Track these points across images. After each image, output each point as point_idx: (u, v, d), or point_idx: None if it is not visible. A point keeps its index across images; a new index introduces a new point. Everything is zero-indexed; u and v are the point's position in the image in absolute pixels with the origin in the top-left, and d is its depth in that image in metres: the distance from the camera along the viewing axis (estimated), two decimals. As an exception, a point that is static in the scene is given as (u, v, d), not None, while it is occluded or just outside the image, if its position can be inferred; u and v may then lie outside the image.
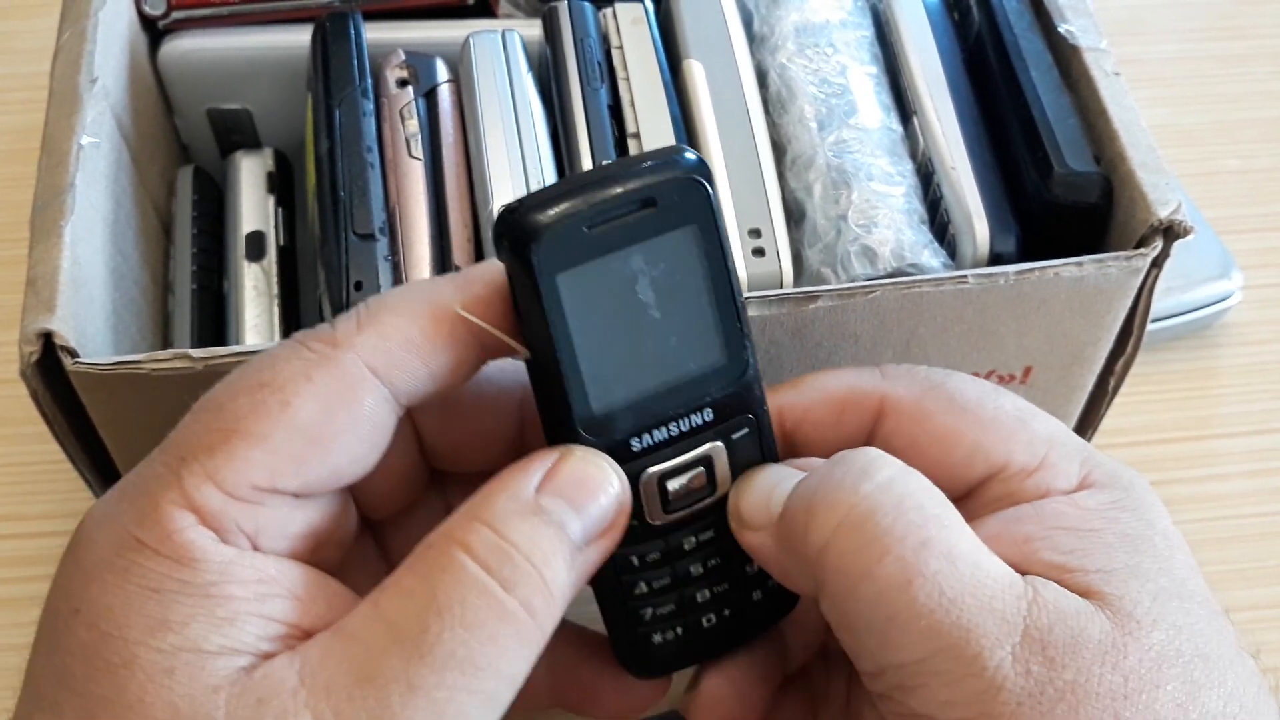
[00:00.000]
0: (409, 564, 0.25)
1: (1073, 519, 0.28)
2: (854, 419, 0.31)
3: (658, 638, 0.31)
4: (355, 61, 0.43)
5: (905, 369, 0.32)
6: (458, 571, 0.25)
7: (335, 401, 0.26)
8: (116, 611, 0.24)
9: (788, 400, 0.32)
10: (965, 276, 0.38)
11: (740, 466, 0.30)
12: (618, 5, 0.45)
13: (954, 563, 0.26)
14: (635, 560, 0.30)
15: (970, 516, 0.28)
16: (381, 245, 0.40)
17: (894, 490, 0.27)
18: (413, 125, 0.43)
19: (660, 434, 0.28)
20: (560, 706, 0.34)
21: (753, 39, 0.46)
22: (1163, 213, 0.38)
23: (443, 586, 0.24)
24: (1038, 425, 0.30)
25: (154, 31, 0.47)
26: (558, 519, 0.26)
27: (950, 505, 0.27)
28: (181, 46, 0.47)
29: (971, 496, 0.30)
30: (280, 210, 0.47)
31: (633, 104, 0.43)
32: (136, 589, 0.24)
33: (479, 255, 0.41)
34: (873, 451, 0.28)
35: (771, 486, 0.29)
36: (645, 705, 0.34)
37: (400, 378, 0.27)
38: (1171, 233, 0.38)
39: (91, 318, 0.37)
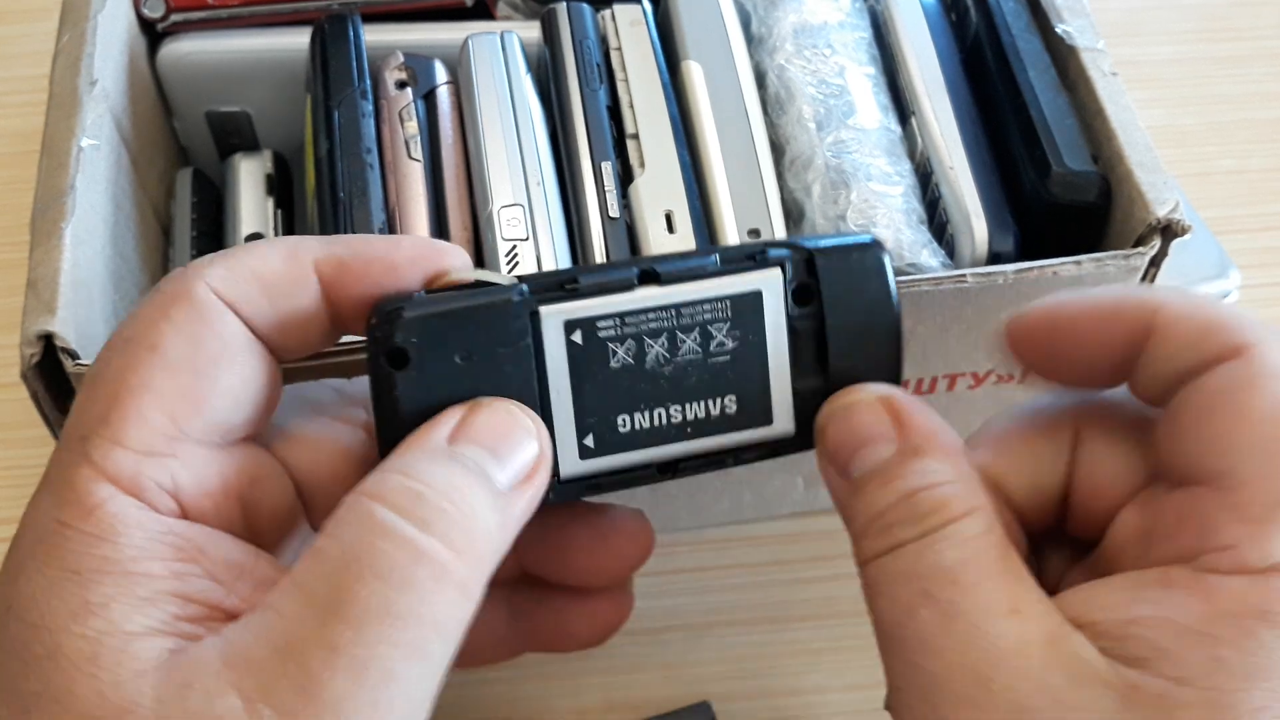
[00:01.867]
0: (324, 527, 0.25)
1: (1199, 615, 0.24)
2: (1212, 345, 0.26)
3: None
4: (354, 63, 0.43)
5: (1184, 292, 0.27)
6: (367, 520, 0.24)
7: (197, 331, 0.26)
8: (39, 600, 0.23)
9: (1164, 299, 0.27)
10: (964, 275, 0.38)
11: None
12: (616, 7, 0.45)
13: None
14: None
15: (1147, 531, 0.26)
16: (381, 246, 0.40)
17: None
18: (412, 127, 0.43)
19: None
20: (532, 650, 0.34)
21: (751, 40, 0.46)
22: (1160, 212, 0.38)
23: (354, 539, 0.24)
24: None
25: (153, 34, 0.48)
26: (474, 464, 0.26)
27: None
28: (180, 49, 0.47)
29: (1178, 497, 0.26)
30: (279, 212, 0.48)
31: (631, 105, 0.43)
32: (58, 573, 0.23)
33: (478, 256, 0.41)
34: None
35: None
36: (615, 623, 0.33)
37: (249, 311, 0.26)
38: (1169, 232, 0.38)
39: (92, 319, 0.37)
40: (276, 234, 0.47)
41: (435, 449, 0.26)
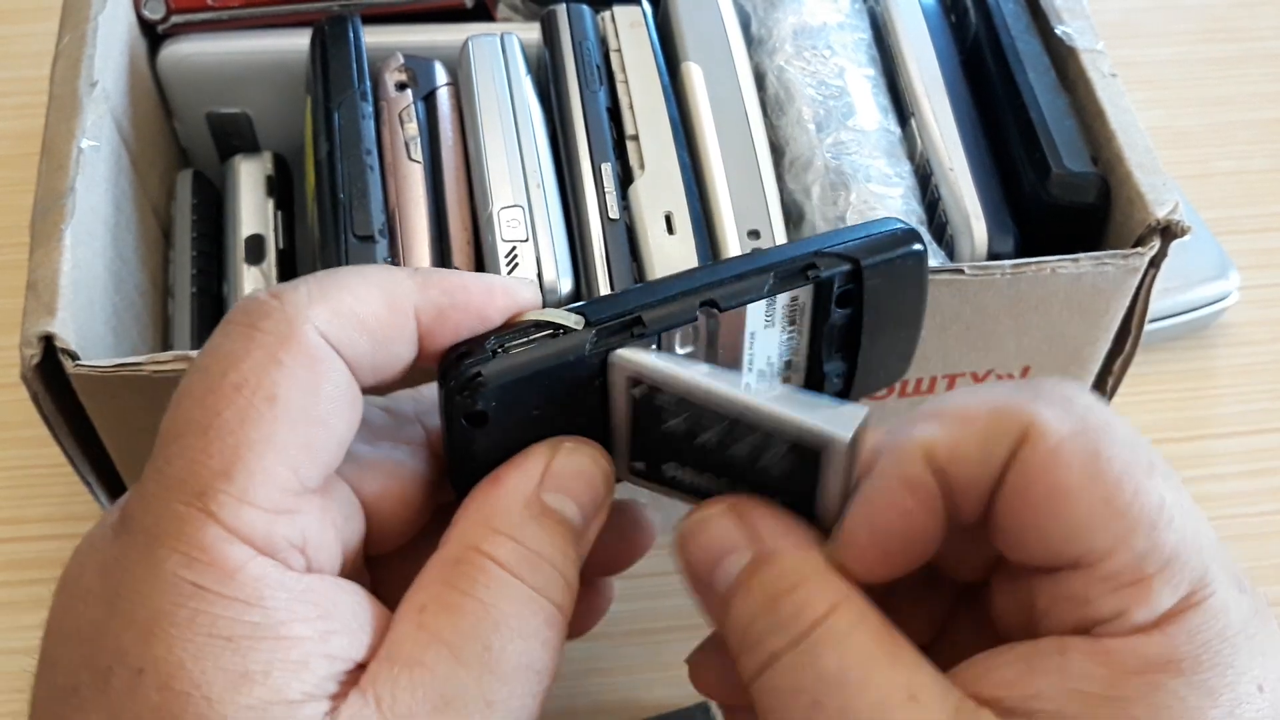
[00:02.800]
0: (443, 578, 0.26)
1: (1102, 680, 0.23)
2: (999, 445, 0.25)
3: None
4: (354, 65, 0.44)
5: (1063, 391, 0.26)
6: (500, 586, 0.26)
7: (312, 380, 0.25)
8: (190, 668, 0.23)
9: (931, 435, 0.26)
10: (961, 268, 0.38)
11: None
12: (616, 8, 0.45)
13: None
14: None
15: (1028, 606, 0.26)
16: (381, 247, 0.40)
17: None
18: (412, 128, 0.43)
19: None
20: None
21: (751, 41, 0.46)
22: (1160, 213, 0.38)
23: (492, 601, 0.25)
24: (1171, 532, 0.24)
25: (153, 36, 0.48)
26: (562, 513, 0.27)
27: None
28: (181, 50, 0.47)
29: (1047, 579, 0.25)
30: (279, 213, 0.48)
31: (631, 106, 0.43)
32: (207, 640, 0.23)
33: (478, 257, 0.41)
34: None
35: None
36: (603, 610, 0.34)
37: (352, 356, 0.26)
38: (1169, 232, 0.38)
39: (92, 321, 0.37)
40: (277, 235, 0.47)
41: (529, 500, 0.27)
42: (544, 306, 0.29)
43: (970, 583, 0.29)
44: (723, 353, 0.30)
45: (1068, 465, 0.24)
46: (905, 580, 0.27)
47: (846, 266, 0.30)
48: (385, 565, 0.30)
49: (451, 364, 0.27)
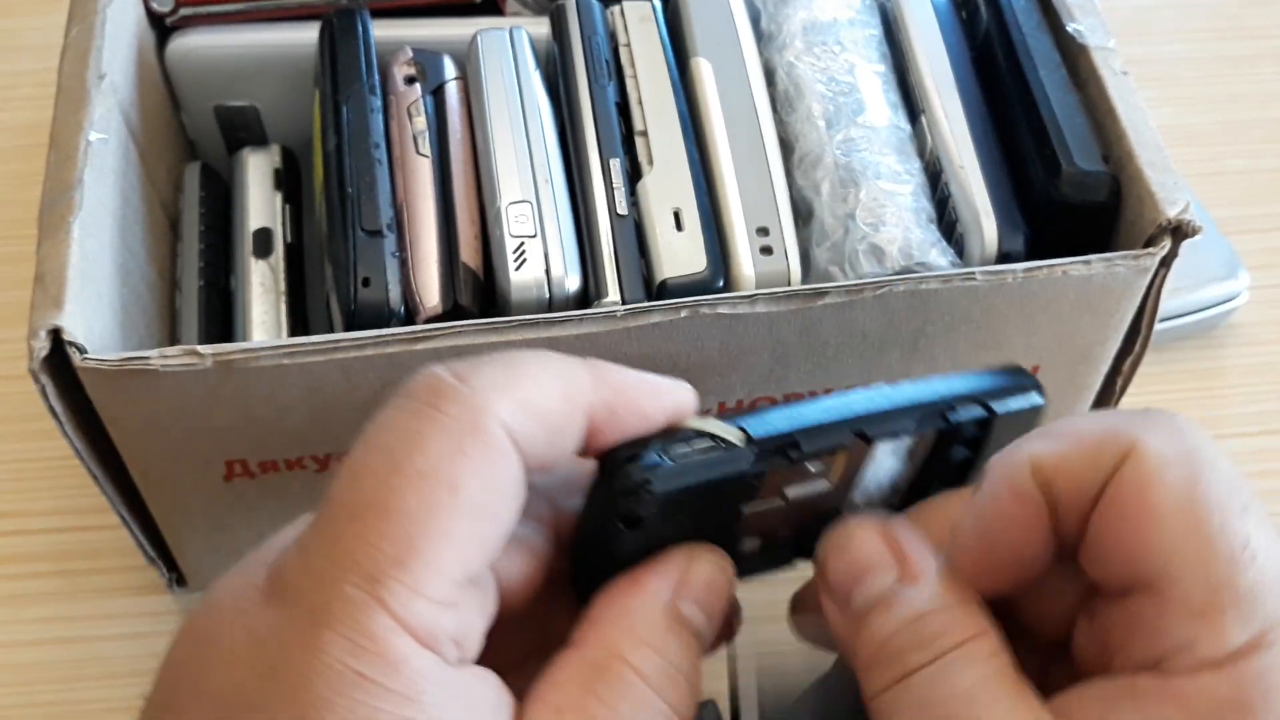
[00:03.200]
0: (583, 683, 0.26)
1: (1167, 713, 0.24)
2: (1103, 461, 0.26)
3: None
4: (363, 58, 0.43)
5: (1175, 422, 0.27)
6: (640, 701, 0.26)
7: (493, 474, 0.25)
8: None
9: (1040, 449, 0.27)
10: (973, 274, 0.38)
11: None
12: (625, 3, 0.45)
13: None
14: None
15: (1105, 640, 0.27)
16: (389, 241, 0.40)
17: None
18: (420, 122, 0.43)
19: None
20: None
21: (760, 37, 0.46)
22: (1171, 212, 0.38)
23: (630, 716, 0.26)
24: (1252, 570, 0.25)
25: (162, 28, 0.48)
26: (695, 626, 0.28)
27: None
28: (189, 43, 0.47)
29: (1124, 608, 0.26)
30: (287, 207, 0.47)
31: (640, 102, 0.43)
32: None
33: (486, 252, 0.41)
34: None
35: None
36: None
37: (529, 450, 0.26)
38: (1180, 232, 0.38)
39: (99, 314, 0.37)
40: (285, 229, 0.47)
41: (667, 609, 0.28)
42: (698, 415, 0.30)
43: (1056, 640, 0.29)
44: (844, 473, 0.31)
45: (1163, 485, 0.25)
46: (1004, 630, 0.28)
47: (982, 414, 0.31)
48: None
49: (619, 465, 0.27)
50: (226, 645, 0.24)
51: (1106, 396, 0.45)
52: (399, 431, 0.25)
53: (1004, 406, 0.31)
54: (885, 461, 0.31)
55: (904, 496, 0.33)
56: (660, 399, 0.28)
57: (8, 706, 0.45)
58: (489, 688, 0.26)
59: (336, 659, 0.23)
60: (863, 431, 0.30)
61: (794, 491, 0.31)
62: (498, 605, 0.27)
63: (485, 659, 0.26)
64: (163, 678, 0.25)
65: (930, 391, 0.31)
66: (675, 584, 0.28)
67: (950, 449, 0.32)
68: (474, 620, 0.26)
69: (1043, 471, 0.27)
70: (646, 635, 0.27)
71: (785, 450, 0.29)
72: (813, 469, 0.30)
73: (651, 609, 0.28)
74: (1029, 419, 0.32)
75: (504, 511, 0.25)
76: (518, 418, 0.25)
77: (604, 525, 0.28)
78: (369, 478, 0.24)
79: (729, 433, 0.28)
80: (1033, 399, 0.32)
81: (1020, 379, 0.32)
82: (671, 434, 0.28)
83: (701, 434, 0.28)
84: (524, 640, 0.29)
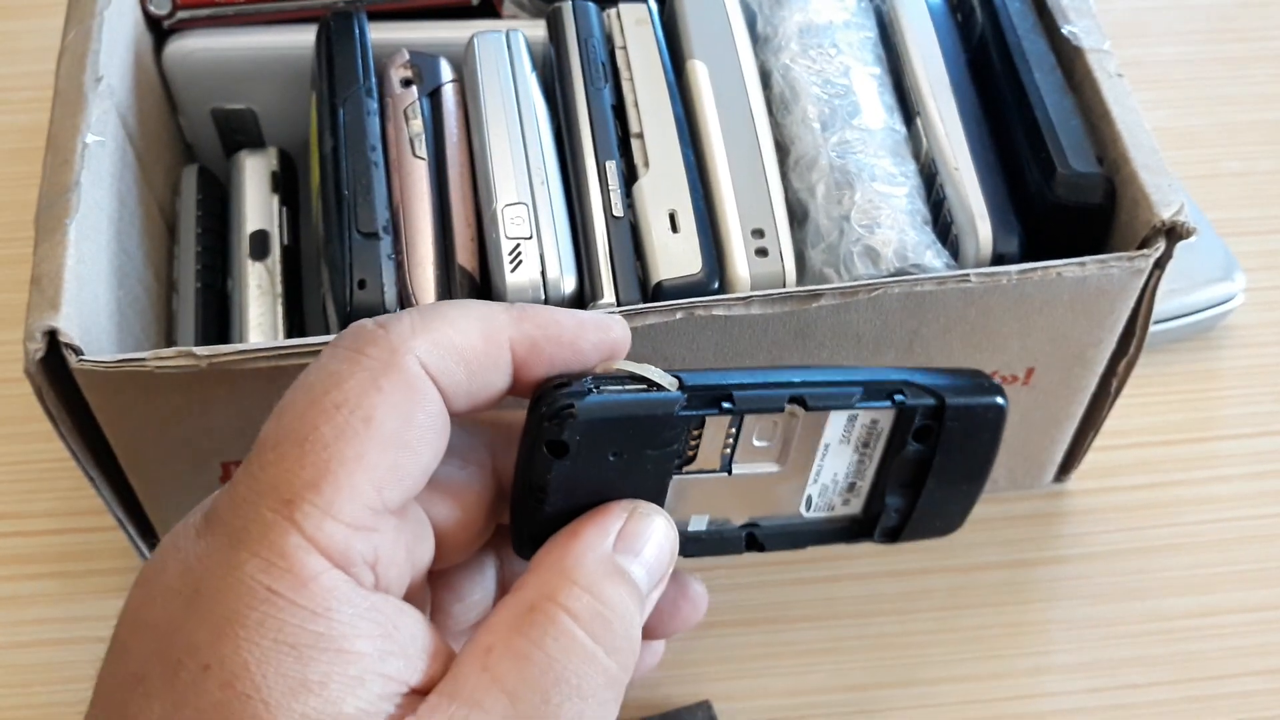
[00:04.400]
0: (514, 624, 0.26)
1: None
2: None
3: None
4: (360, 61, 0.43)
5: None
6: (569, 640, 0.26)
7: (408, 406, 0.26)
8: (253, 671, 0.23)
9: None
10: (968, 275, 0.38)
11: None
12: (622, 6, 0.45)
13: None
14: None
15: None
16: (385, 244, 0.40)
17: None
18: (417, 125, 0.43)
19: None
20: None
21: (756, 40, 0.46)
22: (1165, 214, 0.38)
23: (558, 655, 0.26)
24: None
25: (159, 31, 0.48)
26: (634, 577, 0.28)
27: None
28: (186, 46, 0.47)
29: None
30: (284, 209, 0.48)
31: (636, 104, 0.43)
32: (273, 645, 0.24)
33: (482, 254, 0.41)
34: None
35: None
36: (644, 669, 0.35)
37: (448, 386, 0.27)
38: (1174, 234, 0.38)
39: (96, 316, 0.37)
40: (282, 231, 0.47)
41: (605, 559, 0.28)
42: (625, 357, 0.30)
43: None
44: (794, 457, 0.31)
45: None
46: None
47: (931, 401, 0.31)
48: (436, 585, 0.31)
49: (546, 392, 0.28)
50: (163, 580, 0.25)
51: (1101, 399, 0.45)
52: (321, 373, 0.26)
53: (957, 399, 0.31)
54: (838, 454, 0.31)
55: (866, 503, 0.33)
56: (589, 333, 0.29)
57: (5, 707, 0.45)
58: (408, 619, 0.26)
59: (250, 576, 0.24)
60: (801, 397, 0.30)
61: (741, 467, 0.30)
62: (434, 548, 0.29)
63: (439, 608, 0.28)
64: (118, 622, 0.26)
65: (880, 375, 0.31)
66: (613, 534, 0.28)
67: (905, 444, 0.32)
68: (395, 552, 0.26)
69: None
70: (580, 579, 0.27)
71: (718, 400, 0.29)
72: (758, 443, 0.30)
73: (588, 555, 0.28)
74: (989, 420, 0.32)
75: (421, 444, 0.26)
76: (434, 355, 0.27)
77: (534, 456, 0.28)
78: (290, 413, 0.26)
79: (663, 378, 0.29)
80: (992, 399, 0.32)
81: (980, 379, 0.32)
82: (606, 373, 0.29)
83: (636, 377, 0.29)
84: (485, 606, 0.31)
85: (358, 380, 0.26)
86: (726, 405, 0.29)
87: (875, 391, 0.31)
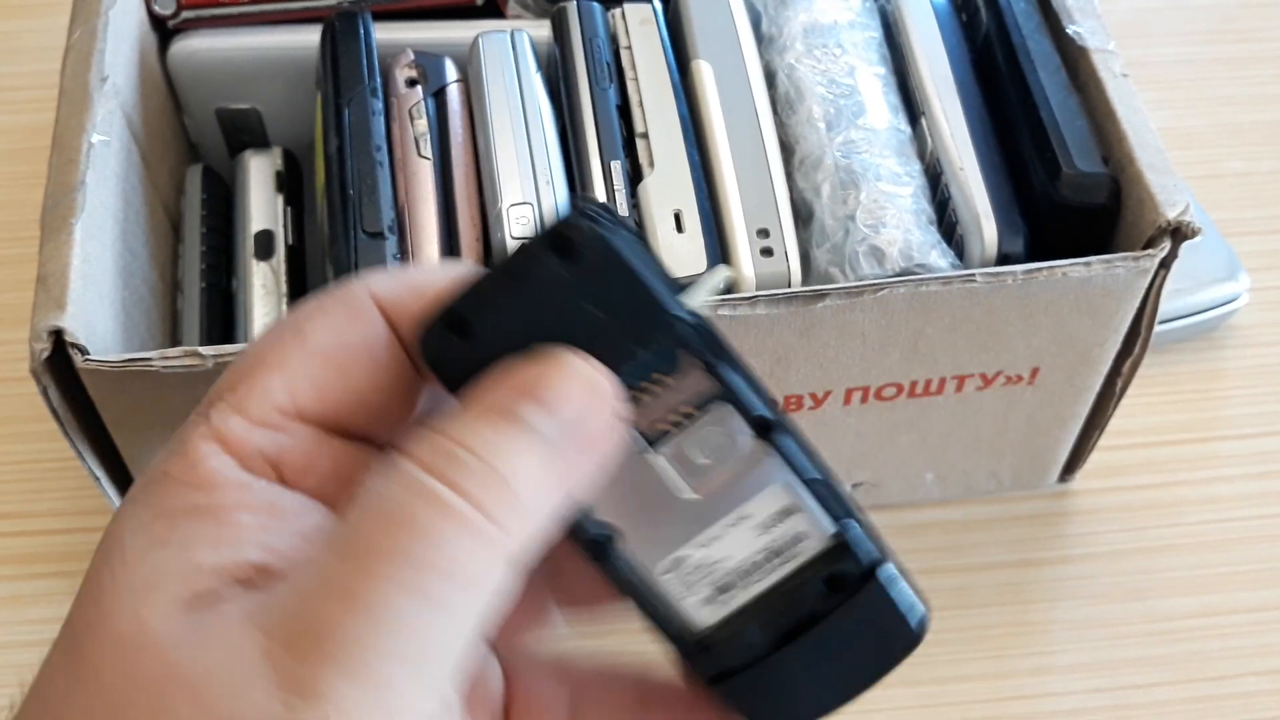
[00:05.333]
0: (362, 486, 0.24)
1: None
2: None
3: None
4: (364, 61, 0.44)
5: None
6: (398, 476, 0.23)
7: (345, 326, 0.26)
8: (124, 536, 0.24)
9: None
10: (973, 275, 0.38)
11: None
12: (626, 6, 0.45)
13: None
14: None
15: None
16: (390, 244, 0.40)
17: None
18: (421, 125, 0.43)
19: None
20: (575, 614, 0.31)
21: (761, 39, 0.46)
22: (1171, 214, 0.38)
23: (384, 493, 0.23)
24: None
25: (164, 31, 0.48)
26: (521, 416, 0.23)
27: None
28: (191, 46, 0.47)
29: None
30: (289, 209, 0.48)
31: (641, 104, 0.43)
32: (148, 513, 0.24)
33: (487, 254, 0.41)
34: None
35: None
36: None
37: (402, 319, 0.26)
38: (1179, 234, 0.38)
39: (101, 315, 0.37)
40: (286, 231, 0.47)
41: (480, 404, 0.24)
42: None
43: None
44: (708, 502, 0.26)
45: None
46: None
47: (871, 556, 0.26)
48: None
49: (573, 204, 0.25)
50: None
51: (1106, 398, 0.45)
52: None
53: (892, 578, 0.26)
54: (745, 538, 0.26)
55: (721, 622, 0.27)
56: None
57: (9, 708, 0.45)
58: (308, 509, 0.25)
59: (155, 465, 0.25)
60: (775, 423, 0.26)
61: (659, 460, 0.26)
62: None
63: None
64: None
65: (843, 491, 0.26)
66: (514, 378, 0.24)
67: (809, 582, 0.26)
68: (308, 457, 0.25)
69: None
70: (437, 424, 0.24)
71: (716, 351, 0.25)
72: (696, 454, 0.26)
73: (460, 409, 0.24)
74: (898, 627, 0.26)
75: (353, 365, 0.25)
76: (388, 288, 0.26)
77: (524, 255, 0.24)
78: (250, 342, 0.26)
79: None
80: (916, 613, 0.26)
81: (915, 603, 0.27)
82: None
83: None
84: None
85: (306, 306, 0.26)
86: (719, 361, 0.25)
87: (833, 496, 0.26)
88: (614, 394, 0.25)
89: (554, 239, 0.24)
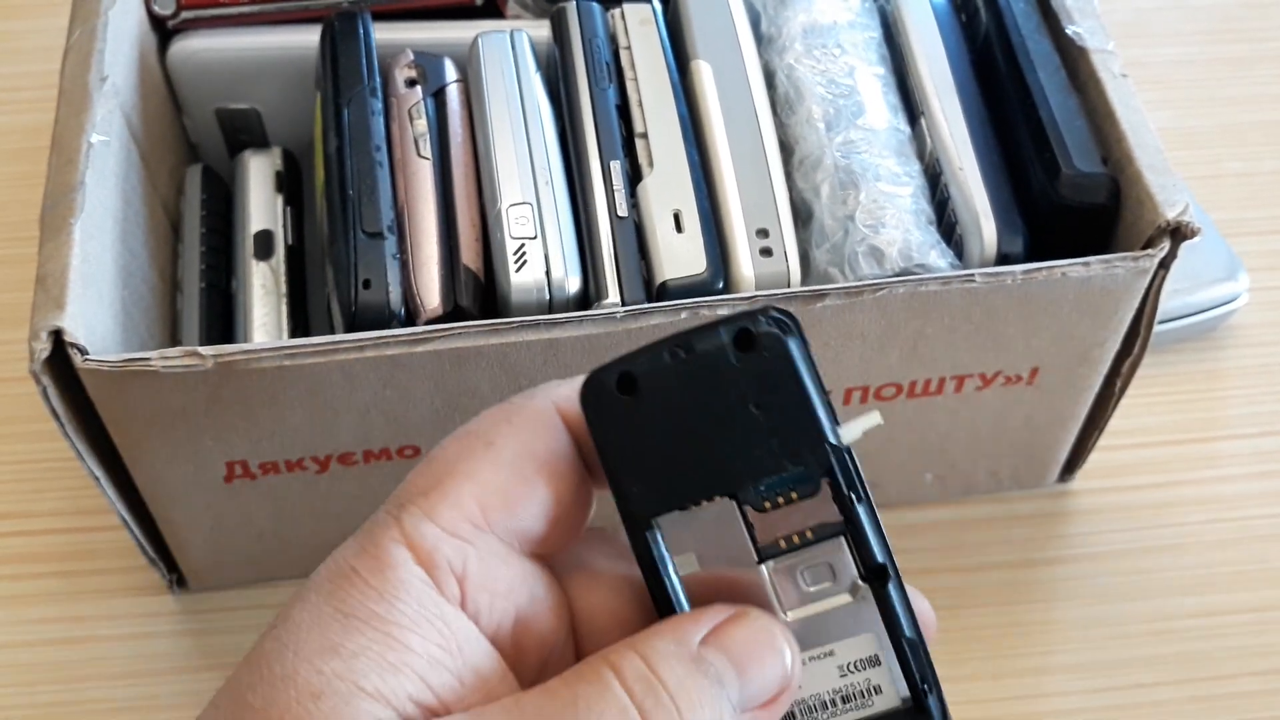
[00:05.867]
0: (561, 674, 0.25)
1: None
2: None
3: None
4: (364, 61, 0.44)
5: None
6: (602, 687, 0.24)
7: (531, 438, 0.27)
8: (302, 627, 0.24)
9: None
10: (973, 275, 0.38)
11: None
12: (626, 6, 0.45)
13: None
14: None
15: None
16: (390, 244, 0.40)
17: None
18: (421, 125, 0.43)
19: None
20: None
21: (760, 40, 0.46)
22: (1170, 214, 0.38)
23: (584, 695, 0.24)
24: None
25: (163, 31, 0.48)
26: (716, 674, 0.25)
27: None
28: (191, 46, 0.47)
29: None
30: (288, 209, 0.48)
31: (640, 104, 0.43)
32: (330, 610, 0.25)
33: (487, 254, 0.41)
34: None
35: None
36: None
37: (584, 433, 0.27)
38: (1179, 234, 0.38)
39: (101, 315, 0.37)
40: (286, 231, 0.47)
41: (685, 647, 0.25)
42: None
43: None
44: (812, 627, 0.27)
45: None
46: None
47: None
48: None
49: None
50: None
51: (1105, 398, 0.45)
52: (473, 419, 0.28)
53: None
54: (828, 673, 0.27)
55: None
56: None
57: (9, 707, 0.45)
58: (479, 651, 0.25)
59: (341, 556, 0.26)
60: (888, 570, 0.26)
61: (773, 572, 0.27)
62: (565, 622, 0.28)
63: None
64: None
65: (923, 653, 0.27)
66: (705, 626, 0.26)
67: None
68: (490, 578, 0.26)
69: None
70: (643, 649, 0.25)
71: (855, 483, 0.26)
72: (804, 579, 0.27)
73: (664, 637, 0.25)
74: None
75: (540, 479, 0.27)
76: (571, 400, 0.27)
77: (702, 335, 0.26)
78: (435, 448, 0.27)
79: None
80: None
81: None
82: None
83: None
84: None
85: (493, 415, 0.27)
86: (858, 501, 0.26)
87: (921, 661, 0.26)
88: (799, 675, 0.26)
89: (737, 328, 0.26)
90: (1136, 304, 0.40)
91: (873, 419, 0.26)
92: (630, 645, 0.25)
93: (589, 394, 0.26)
